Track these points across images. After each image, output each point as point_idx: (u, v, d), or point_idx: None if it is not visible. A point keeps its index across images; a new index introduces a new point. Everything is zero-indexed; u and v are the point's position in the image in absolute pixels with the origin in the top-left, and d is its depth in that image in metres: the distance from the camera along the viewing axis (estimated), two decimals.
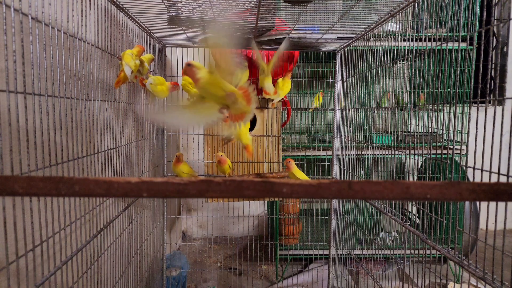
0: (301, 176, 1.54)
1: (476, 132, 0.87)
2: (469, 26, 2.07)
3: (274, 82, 1.72)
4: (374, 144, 1.63)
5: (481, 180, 0.89)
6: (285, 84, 1.61)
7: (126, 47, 1.27)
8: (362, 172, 1.67)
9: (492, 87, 3.00)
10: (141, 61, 1.17)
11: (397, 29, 2.16)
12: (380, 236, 2.50)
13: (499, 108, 2.43)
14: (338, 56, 1.87)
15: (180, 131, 2.71)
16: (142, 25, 1.39)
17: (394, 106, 1.51)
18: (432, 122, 1.11)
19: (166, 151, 1.86)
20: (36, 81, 0.78)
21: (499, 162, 0.86)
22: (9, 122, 0.65)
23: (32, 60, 0.75)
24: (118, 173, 1.23)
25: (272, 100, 1.61)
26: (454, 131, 0.98)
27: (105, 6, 1.09)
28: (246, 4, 1.15)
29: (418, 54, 1.23)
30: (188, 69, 0.87)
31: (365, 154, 1.65)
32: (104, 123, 1.11)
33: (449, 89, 2.36)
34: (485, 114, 0.90)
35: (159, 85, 1.32)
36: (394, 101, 2.56)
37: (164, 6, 1.15)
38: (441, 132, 2.01)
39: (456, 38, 2.18)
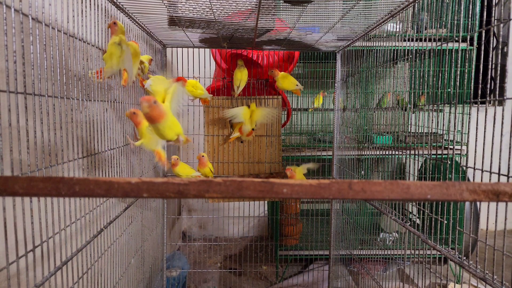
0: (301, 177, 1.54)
1: (476, 132, 0.87)
2: (469, 27, 2.07)
3: (274, 83, 1.72)
4: (374, 144, 1.63)
5: (481, 180, 0.89)
6: (286, 80, 1.63)
7: None
8: (362, 172, 1.67)
9: (492, 88, 3.00)
10: (141, 60, 1.17)
11: (398, 30, 2.16)
12: (381, 236, 2.50)
13: (499, 109, 2.42)
14: (338, 56, 1.87)
15: None
16: (142, 25, 1.39)
17: (395, 107, 1.51)
18: (432, 122, 1.11)
19: (166, 151, 1.86)
20: (36, 82, 0.78)
21: (499, 163, 0.86)
22: (9, 122, 0.65)
23: (32, 60, 0.75)
24: (118, 173, 1.23)
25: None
26: (454, 131, 0.98)
27: (105, 7, 1.09)
28: (246, 5, 1.15)
29: (418, 55, 1.23)
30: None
31: (365, 155, 1.65)
32: (104, 123, 1.11)
33: (449, 90, 2.36)
34: (485, 115, 0.89)
35: (159, 85, 1.31)
36: (395, 102, 2.56)
37: (164, 6, 1.15)
38: (442, 133, 2.01)
39: (456, 39, 2.18)
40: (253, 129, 1.66)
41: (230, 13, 1.24)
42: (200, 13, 1.23)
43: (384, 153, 1.45)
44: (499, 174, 0.84)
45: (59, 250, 0.83)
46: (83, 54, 0.97)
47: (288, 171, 1.54)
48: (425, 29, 2.40)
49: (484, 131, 0.97)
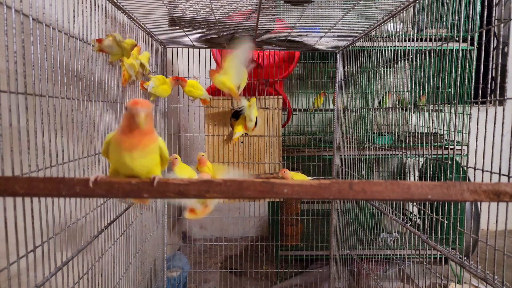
0: (301, 178, 1.53)
1: (477, 132, 0.87)
2: (470, 27, 2.06)
3: (274, 84, 1.72)
4: (375, 145, 1.63)
5: (482, 180, 0.88)
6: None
7: None
8: (363, 172, 1.67)
9: (492, 88, 3.00)
10: (142, 62, 1.17)
11: (398, 30, 2.16)
12: (381, 236, 2.50)
13: (499, 109, 2.42)
14: (339, 56, 1.87)
15: (181, 131, 2.71)
16: (143, 25, 1.39)
17: (395, 107, 1.51)
18: (433, 122, 1.11)
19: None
20: (37, 82, 0.78)
21: (500, 163, 0.86)
22: (10, 122, 0.65)
23: (33, 61, 0.75)
24: None
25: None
26: (455, 131, 0.98)
27: (105, 7, 1.09)
28: (247, 5, 1.15)
29: (418, 55, 1.23)
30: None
31: (366, 155, 1.65)
32: (104, 123, 1.11)
33: (449, 90, 2.35)
34: (486, 115, 0.89)
35: (160, 85, 1.32)
36: (396, 102, 2.56)
37: (164, 6, 1.15)
38: (442, 133, 2.01)
39: (457, 39, 2.17)
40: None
41: (230, 13, 1.24)
42: (200, 13, 1.23)
43: (384, 153, 1.45)
44: (499, 174, 0.84)
45: (59, 250, 0.83)
46: (83, 55, 0.97)
47: (281, 172, 1.53)
48: (426, 29, 2.40)
49: (485, 131, 0.97)
